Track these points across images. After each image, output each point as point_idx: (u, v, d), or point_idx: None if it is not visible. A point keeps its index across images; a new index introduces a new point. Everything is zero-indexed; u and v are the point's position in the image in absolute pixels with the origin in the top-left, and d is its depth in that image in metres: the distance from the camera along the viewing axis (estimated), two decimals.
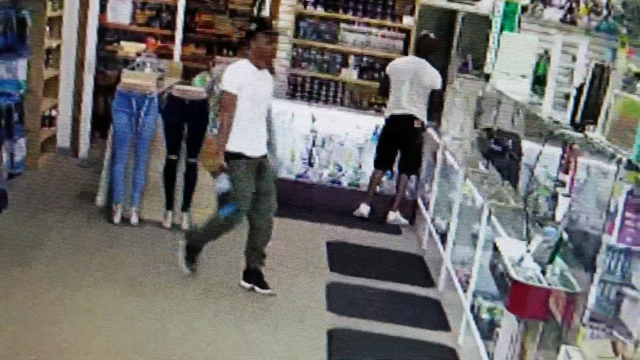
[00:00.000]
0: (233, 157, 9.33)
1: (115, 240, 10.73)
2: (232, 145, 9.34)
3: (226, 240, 9.80)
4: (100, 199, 11.59)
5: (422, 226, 12.71)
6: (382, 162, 13.41)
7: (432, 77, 13.32)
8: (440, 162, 12.24)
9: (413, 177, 13.82)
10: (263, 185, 9.61)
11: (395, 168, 13.73)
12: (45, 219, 10.86)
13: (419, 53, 13.67)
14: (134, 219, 11.38)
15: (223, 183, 9.25)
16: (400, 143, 13.22)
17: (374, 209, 13.37)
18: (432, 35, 13.74)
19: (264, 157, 9.70)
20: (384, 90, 13.52)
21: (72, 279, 9.02)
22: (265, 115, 9.73)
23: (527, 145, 8.35)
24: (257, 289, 9.68)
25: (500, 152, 9.44)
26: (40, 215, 10.86)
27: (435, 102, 13.48)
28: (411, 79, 13.19)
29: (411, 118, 13.14)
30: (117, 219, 11.29)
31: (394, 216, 13.48)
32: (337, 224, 12.73)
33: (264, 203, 9.66)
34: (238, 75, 9.42)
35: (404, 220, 13.47)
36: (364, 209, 13.40)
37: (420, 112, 13.24)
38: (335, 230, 12.47)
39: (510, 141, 9.12)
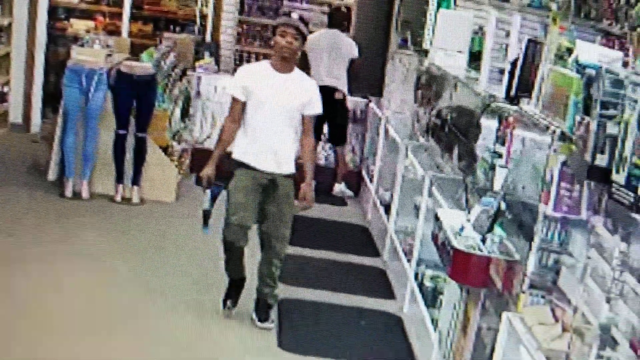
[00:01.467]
0: (235, 165, 8.12)
1: (67, 213, 10.67)
2: (237, 153, 8.13)
3: None
4: (51, 173, 11.53)
5: (367, 198, 12.75)
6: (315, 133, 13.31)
7: (349, 47, 13.40)
8: (382, 135, 12.23)
9: (355, 149, 13.84)
10: (270, 208, 8.17)
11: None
12: None
13: (332, 25, 13.70)
14: (85, 193, 11.31)
15: (205, 199, 8.25)
16: (325, 116, 13.19)
17: (320, 181, 13.36)
18: (343, 8, 14.12)
19: (284, 177, 8.13)
20: (303, 65, 13.36)
21: (26, 251, 8.95)
22: (291, 127, 8.14)
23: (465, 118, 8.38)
24: (254, 318, 8.32)
25: (440, 125, 9.48)
26: None
27: (355, 71, 13.53)
28: (329, 51, 13.21)
29: (332, 90, 13.02)
30: (68, 192, 11.22)
31: (339, 188, 13.53)
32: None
33: (269, 229, 8.24)
34: (245, 78, 8.12)
35: (349, 192, 13.51)
36: None
37: (340, 83, 13.24)
38: None
39: (448, 115, 9.15)
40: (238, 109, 8.08)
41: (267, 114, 7.97)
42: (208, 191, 8.18)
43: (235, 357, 7.61)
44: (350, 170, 13.81)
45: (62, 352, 7.18)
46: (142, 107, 11.30)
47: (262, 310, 8.31)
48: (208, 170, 8.13)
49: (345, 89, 13.36)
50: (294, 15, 8.28)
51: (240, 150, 8.12)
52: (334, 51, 13.23)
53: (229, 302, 8.37)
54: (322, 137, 13.57)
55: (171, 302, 8.45)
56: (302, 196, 8.23)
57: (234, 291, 8.43)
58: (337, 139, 13.65)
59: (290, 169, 8.19)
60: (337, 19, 13.64)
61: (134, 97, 11.28)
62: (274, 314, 8.39)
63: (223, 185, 8.18)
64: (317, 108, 8.34)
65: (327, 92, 12.50)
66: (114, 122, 11.26)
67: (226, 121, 8.28)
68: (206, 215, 8.29)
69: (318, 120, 12.96)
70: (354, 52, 13.40)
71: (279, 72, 8.07)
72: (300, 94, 8.13)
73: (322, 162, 13.62)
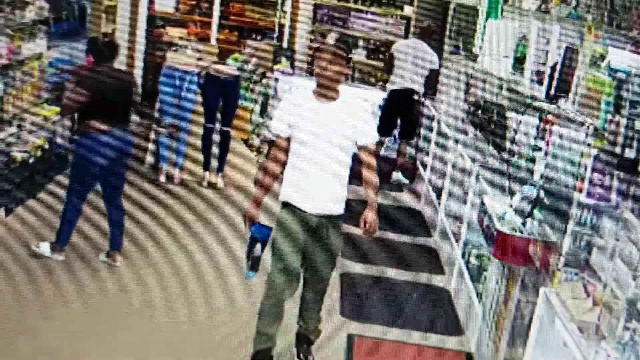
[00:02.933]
0: (282, 206, 6.63)
1: (161, 196, 10.79)
2: (283, 192, 6.58)
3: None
4: (148, 161, 11.72)
5: (421, 185, 12.67)
6: (385, 129, 13.34)
7: (431, 57, 13.34)
8: (435, 130, 12.18)
9: (412, 142, 13.84)
10: (317, 251, 6.67)
11: (396, 135, 13.79)
12: None
13: (420, 37, 13.68)
14: (177, 179, 11.45)
15: (250, 242, 6.64)
16: (400, 113, 13.26)
17: (381, 170, 13.33)
18: (431, 24, 13.81)
19: (333, 217, 6.76)
20: (389, 67, 13.51)
21: (127, 229, 8.98)
22: (342, 161, 6.65)
23: (509, 115, 8.32)
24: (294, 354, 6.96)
25: (486, 122, 9.43)
26: None
27: (432, 80, 13.64)
28: (412, 57, 13.18)
29: (411, 92, 13.16)
30: (162, 178, 11.40)
31: (396, 176, 13.48)
32: (348, 184, 12.69)
33: (314, 271, 6.79)
34: (287, 112, 6.54)
35: (405, 180, 13.47)
36: None
37: (418, 87, 13.26)
38: (347, 189, 12.42)
39: (495, 112, 9.10)
40: (282, 147, 6.56)
41: (314, 148, 6.39)
42: (253, 231, 6.55)
43: (292, 321, 7.50)
44: (407, 161, 13.74)
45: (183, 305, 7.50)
46: (227, 105, 11.38)
47: (302, 345, 6.94)
48: (250, 211, 6.57)
49: (421, 92, 13.39)
50: (331, 37, 6.37)
51: (287, 190, 6.57)
52: (417, 59, 13.22)
53: None
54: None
55: None
56: (367, 223, 6.83)
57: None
58: (408, 134, 13.66)
59: (340, 209, 6.81)
60: (425, 33, 13.63)
61: (220, 96, 11.38)
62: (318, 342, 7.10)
63: (269, 229, 6.59)
64: (371, 136, 6.69)
65: (406, 93, 13.03)
66: (202, 118, 11.39)
67: (269, 159, 6.87)
68: (254, 260, 6.65)
69: (391, 116, 13.05)
70: (435, 64, 13.45)
71: (322, 102, 6.42)
72: (349, 123, 6.46)
73: (382, 153, 13.59)
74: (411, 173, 13.62)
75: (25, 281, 7.51)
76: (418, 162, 13.52)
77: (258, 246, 6.59)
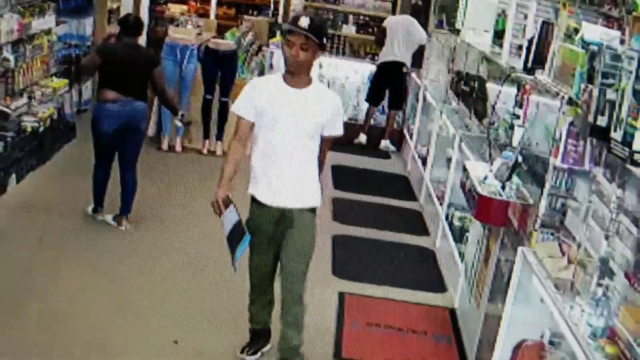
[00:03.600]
0: (251, 200, 5.88)
1: (163, 163, 10.85)
2: (250, 184, 5.84)
3: None
4: (150, 130, 11.67)
5: (407, 152, 12.69)
6: (374, 99, 13.48)
7: (421, 35, 13.43)
8: (421, 100, 12.19)
9: (400, 112, 13.86)
10: (287, 243, 5.84)
11: (384, 105, 13.84)
12: None
13: (412, 14, 13.91)
14: (178, 147, 11.50)
15: (226, 222, 5.72)
16: (390, 85, 13.29)
17: (370, 137, 13.43)
18: (419, 1, 14.36)
19: (298, 210, 5.80)
20: (380, 40, 13.55)
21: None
22: (310, 151, 5.79)
23: (489, 85, 8.32)
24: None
25: (468, 92, 9.44)
26: None
27: (418, 54, 13.72)
28: (404, 33, 13.22)
29: (400, 64, 13.20)
30: (164, 146, 11.47)
31: (384, 144, 13.53)
32: (339, 151, 12.72)
33: (283, 274, 5.92)
34: (254, 94, 5.72)
35: (392, 147, 13.51)
36: (362, 138, 13.49)
37: (407, 60, 13.30)
38: (338, 155, 12.44)
39: (476, 83, 9.11)
40: (246, 130, 5.76)
41: (280, 136, 5.61)
42: (226, 213, 5.67)
43: None
44: (394, 129, 13.77)
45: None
46: (225, 77, 11.40)
47: (256, 344, 6.22)
48: (221, 193, 5.69)
49: (409, 65, 13.44)
50: (305, 20, 5.41)
51: (252, 182, 5.82)
52: (409, 35, 13.27)
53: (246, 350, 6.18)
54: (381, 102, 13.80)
55: None
56: None
57: (254, 342, 6.23)
58: (396, 104, 13.66)
59: (311, 201, 5.87)
60: (416, 11, 14.04)
61: (218, 69, 11.39)
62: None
63: (238, 215, 5.71)
64: (338, 128, 5.86)
65: (396, 66, 13.09)
66: (202, 89, 11.40)
67: (232, 143, 5.90)
68: (230, 245, 5.77)
69: (380, 87, 13.30)
70: (424, 41, 13.54)
71: (292, 87, 5.62)
72: (319, 112, 5.67)
73: (372, 122, 13.69)
74: (398, 141, 13.64)
75: (33, 247, 7.50)
76: (405, 131, 13.54)
77: (237, 230, 5.67)
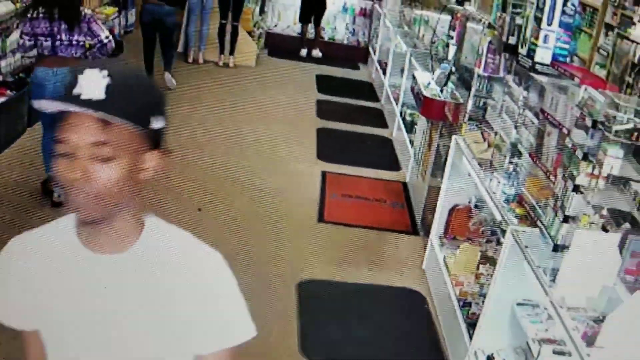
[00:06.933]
0: None
1: (189, 71, 10.69)
2: None
3: None
4: (180, 46, 11.58)
5: (371, 64, 12.59)
6: (306, 19, 13.01)
7: None
8: (382, 24, 11.99)
9: (365, 33, 13.62)
10: None
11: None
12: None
13: None
14: (201, 60, 11.34)
15: None
16: (315, 5, 12.88)
17: (309, 50, 13.15)
18: None
19: None
20: None
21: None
22: None
23: (431, 14, 8.23)
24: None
25: (416, 19, 9.36)
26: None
27: None
28: None
29: None
30: (190, 59, 11.29)
31: (315, 52, 13.16)
32: (322, 64, 12.64)
33: None
34: (24, 284, 1.60)
35: (320, 54, 13.13)
36: (318, 53, 13.12)
37: None
38: (322, 68, 12.38)
39: (421, 11, 9.02)
40: (32, 347, 1.69)
41: None
42: None
43: (285, 163, 7.56)
44: (355, 46, 13.58)
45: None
46: (236, 5, 11.12)
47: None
48: None
49: None
50: (92, 86, 1.41)
51: None
52: None
53: None
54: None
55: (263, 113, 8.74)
56: None
57: None
58: (319, 22, 13.07)
59: None
60: None
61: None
62: None
63: None
64: (228, 336, 1.60)
65: None
66: (218, 15, 11.17)
67: None
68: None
69: (308, 10, 12.84)
70: None
71: (96, 251, 1.55)
72: (168, 309, 1.55)
73: (311, 36, 13.15)
74: (364, 56, 13.47)
75: None
76: (370, 48, 13.37)
77: None
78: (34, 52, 5.72)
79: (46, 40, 5.38)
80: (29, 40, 5.41)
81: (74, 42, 5.44)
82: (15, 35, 6.81)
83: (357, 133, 9.00)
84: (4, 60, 7.01)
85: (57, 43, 5.39)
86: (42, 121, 5.84)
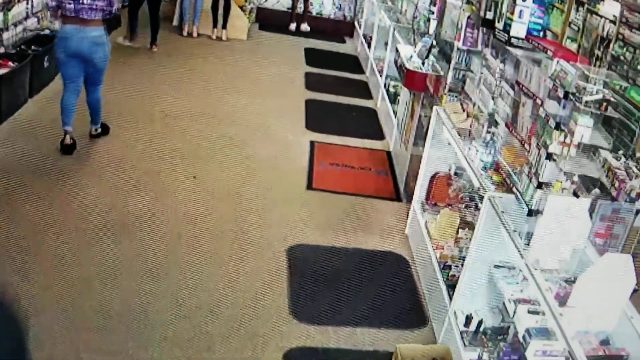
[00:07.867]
0: None
1: (184, 44, 10.61)
2: None
3: None
4: (175, 20, 11.54)
5: (357, 38, 12.52)
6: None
7: None
8: (367, 0, 11.92)
9: (350, 8, 13.51)
10: None
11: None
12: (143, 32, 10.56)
13: None
14: (195, 33, 11.22)
15: None
16: None
17: (298, 25, 13.00)
18: None
19: None
20: None
21: (163, 59, 9.28)
22: None
23: None
24: None
25: None
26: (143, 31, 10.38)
27: None
28: None
29: None
30: (185, 33, 11.19)
31: (304, 27, 13.00)
32: (309, 37, 12.54)
33: None
34: None
35: (308, 28, 12.99)
36: (306, 27, 12.97)
37: None
38: (309, 41, 12.29)
39: None
40: None
41: None
42: None
43: (275, 133, 7.54)
44: (342, 20, 13.43)
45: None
46: None
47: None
48: None
49: None
50: None
51: None
52: None
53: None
54: None
55: (254, 85, 8.52)
56: None
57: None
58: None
59: None
60: None
61: None
62: None
63: None
64: None
65: None
66: None
67: None
68: None
69: None
70: None
71: None
72: None
73: (300, 11, 12.97)
74: (350, 30, 13.39)
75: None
76: (355, 23, 13.28)
77: None
78: (35, 24, 5.90)
79: (69, 4, 5.70)
80: (52, 1, 5.74)
81: (94, 7, 5.77)
82: (17, 9, 6.83)
83: (344, 104, 8.95)
84: (6, 32, 6.96)
85: (79, 7, 5.71)
86: (63, 74, 6.03)
